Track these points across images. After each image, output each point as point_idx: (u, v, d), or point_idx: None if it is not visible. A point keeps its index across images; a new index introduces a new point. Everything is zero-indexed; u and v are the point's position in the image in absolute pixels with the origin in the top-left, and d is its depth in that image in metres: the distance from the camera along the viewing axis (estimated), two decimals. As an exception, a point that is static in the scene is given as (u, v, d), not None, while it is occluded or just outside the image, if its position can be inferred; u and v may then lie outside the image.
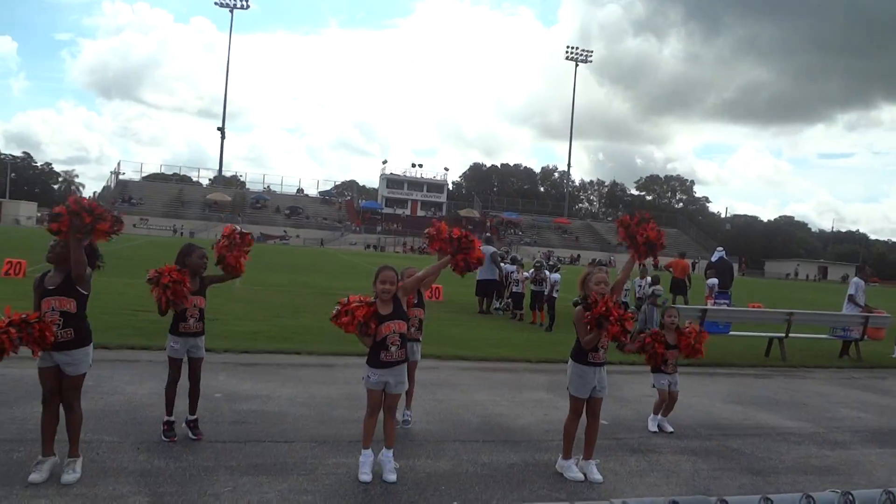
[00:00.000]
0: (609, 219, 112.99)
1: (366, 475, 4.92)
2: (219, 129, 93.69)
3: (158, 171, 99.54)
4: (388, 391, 5.15)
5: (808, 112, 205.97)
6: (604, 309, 5.12)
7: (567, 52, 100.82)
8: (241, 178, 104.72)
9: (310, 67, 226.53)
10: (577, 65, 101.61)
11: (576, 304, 5.87)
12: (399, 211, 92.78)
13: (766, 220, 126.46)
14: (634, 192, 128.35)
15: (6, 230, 55.18)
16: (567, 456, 5.50)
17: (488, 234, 24.90)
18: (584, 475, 5.36)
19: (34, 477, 4.43)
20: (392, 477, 4.95)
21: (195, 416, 5.75)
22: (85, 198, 4.64)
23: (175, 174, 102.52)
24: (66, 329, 4.55)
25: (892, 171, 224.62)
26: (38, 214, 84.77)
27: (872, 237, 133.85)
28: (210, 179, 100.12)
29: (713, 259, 19.43)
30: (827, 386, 10.54)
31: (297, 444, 5.73)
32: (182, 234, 70.22)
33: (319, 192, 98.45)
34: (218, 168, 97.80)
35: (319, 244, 72.67)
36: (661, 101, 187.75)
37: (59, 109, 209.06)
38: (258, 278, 21.10)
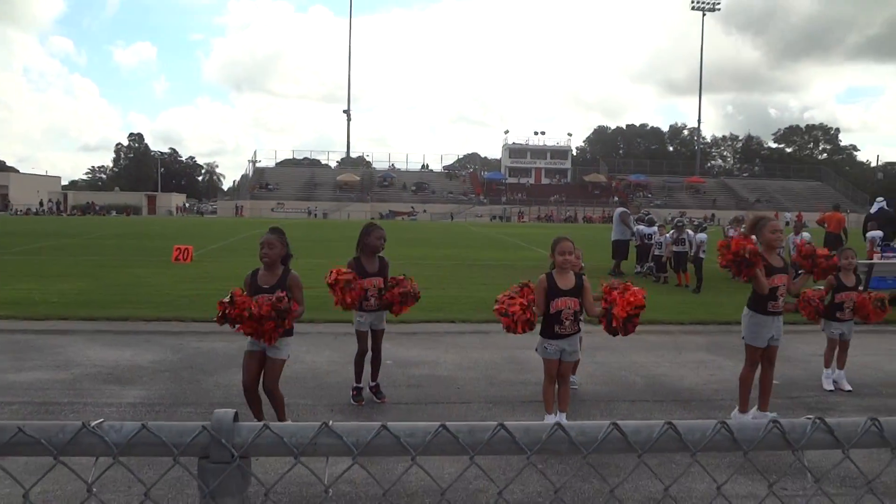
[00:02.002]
0: (745, 175, 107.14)
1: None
2: (344, 111, 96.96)
3: (290, 157, 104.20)
4: (563, 359, 5.31)
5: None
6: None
7: (693, 1, 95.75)
8: (368, 158, 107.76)
9: (426, 43, 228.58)
10: (703, 14, 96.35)
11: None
12: (523, 180, 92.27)
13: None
14: (772, 144, 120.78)
15: (162, 221, 59.88)
16: (744, 408, 5.46)
17: (619, 198, 24.57)
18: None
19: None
20: None
21: (377, 382, 6.16)
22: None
23: (305, 158, 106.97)
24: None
25: None
26: (187, 204, 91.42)
27: None
28: (338, 161, 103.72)
29: (872, 211, 18.07)
30: None
31: (473, 404, 6.03)
32: (315, 215, 73.49)
33: (443, 167, 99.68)
34: (345, 150, 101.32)
35: (449, 218, 73.71)
36: (796, 46, 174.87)
37: (198, 106, 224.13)
38: (398, 252, 21.85)
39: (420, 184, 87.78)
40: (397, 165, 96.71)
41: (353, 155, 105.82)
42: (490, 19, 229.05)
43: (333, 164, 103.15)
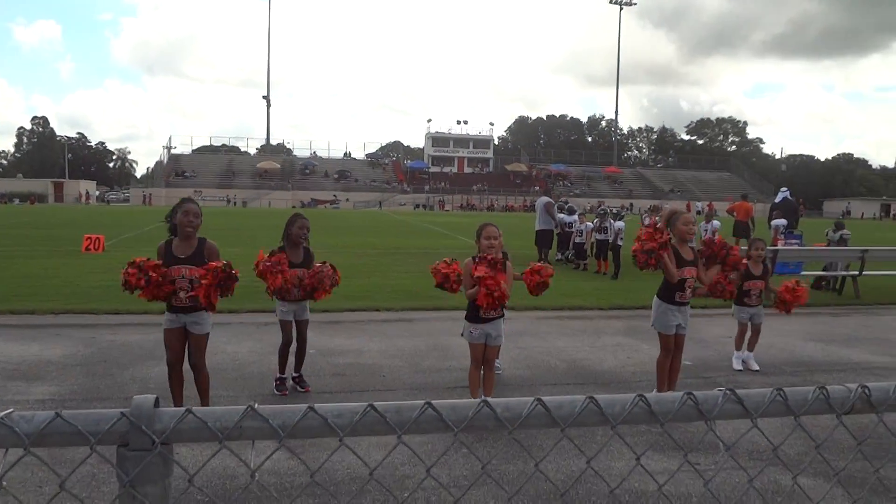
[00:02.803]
0: (660, 165, 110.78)
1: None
2: (264, 97, 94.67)
3: (208, 144, 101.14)
4: (488, 343, 5.39)
5: (861, 42, 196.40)
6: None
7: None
8: (288, 146, 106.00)
9: (348, 29, 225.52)
10: (621, 8, 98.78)
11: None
12: (446, 169, 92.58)
13: (822, 158, 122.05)
14: (685, 136, 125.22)
15: (70, 209, 57.14)
16: (661, 391, 5.68)
17: (542, 187, 24.96)
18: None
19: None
20: None
21: (300, 373, 6.10)
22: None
23: (223, 145, 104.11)
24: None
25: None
26: (98, 192, 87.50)
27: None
28: (258, 148, 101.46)
29: (777, 200, 19.05)
30: (907, 321, 10.42)
31: (398, 391, 6.04)
32: (235, 203, 71.69)
33: (366, 155, 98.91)
34: (265, 137, 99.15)
35: (378, 206, 73.24)
36: (706, 42, 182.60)
37: (107, 89, 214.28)
38: (321, 241, 21.59)
39: (342, 172, 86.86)
40: (319, 153, 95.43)
41: (274, 142, 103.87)
42: (414, 8, 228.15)
43: (253, 152, 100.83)
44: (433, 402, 1.18)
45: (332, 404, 1.15)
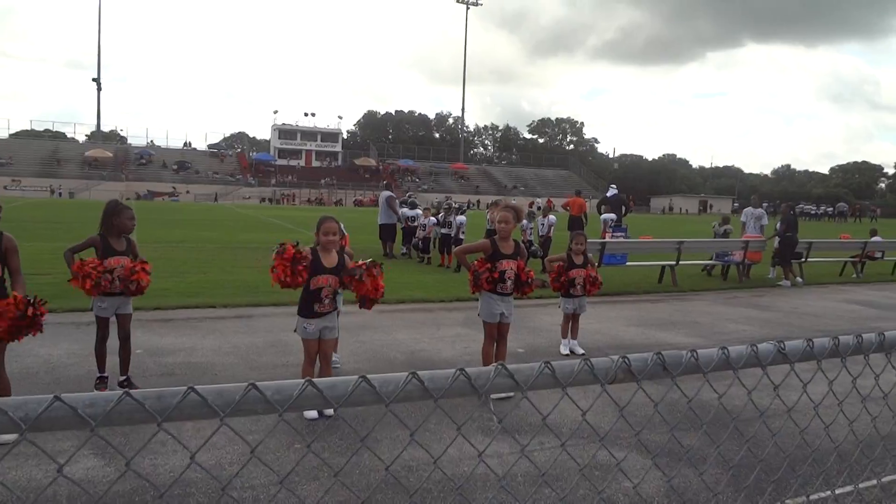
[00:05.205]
0: (504, 163, 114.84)
1: (311, 413, 5.12)
2: (94, 80, 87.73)
3: (28, 129, 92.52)
4: (323, 337, 5.33)
5: (681, 52, 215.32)
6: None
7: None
8: (122, 133, 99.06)
9: (189, 11, 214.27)
10: (467, 8, 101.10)
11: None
12: (293, 162, 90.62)
13: (650, 158, 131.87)
14: (527, 135, 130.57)
15: None
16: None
17: (386, 182, 25.17)
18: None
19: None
20: (331, 411, 5.17)
21: (127, 375, 5.74)
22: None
23: (47, 130, 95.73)
24: None
25: (760, 108, 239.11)
26: None
27: (746, 171, 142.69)
28: (87, 135, 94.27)
29: (608, 195, 20.33)
30: (715, 306, 11.52)
31: (231, 389, 5.83)
32: (60, 194, 66.11)
33: (208, 146, 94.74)
34: (95, 123, 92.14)
35: (213, 199, 70.19)
36: (545, 45, 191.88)
37: None
38: (156, 235, 20.43)
39: (182, 163, 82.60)
40: (157, 142, 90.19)
41: (105, 129, 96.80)
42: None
43: (81, 139, 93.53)
44: (258, 382, 1.18)
45: (154, 390, 1.16)
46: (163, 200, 65.54)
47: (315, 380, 1.24)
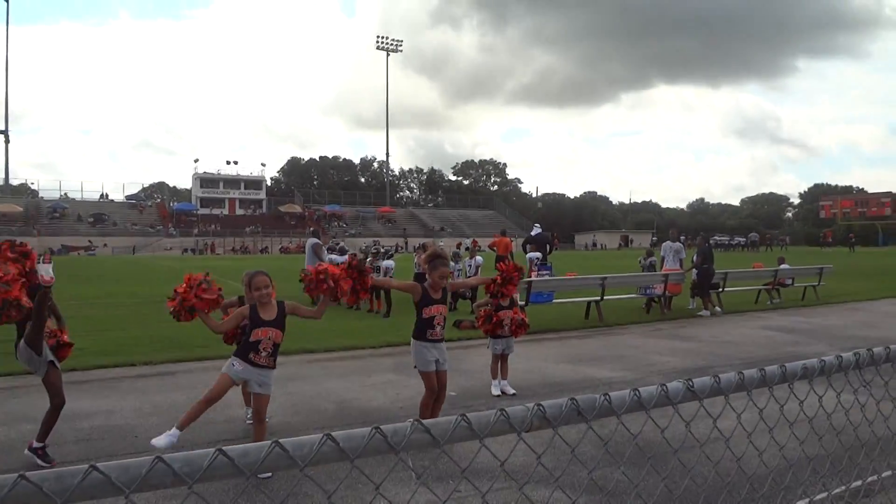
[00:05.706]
0: (430, 205, 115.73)
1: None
2: (1, 132, 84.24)
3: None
4: (254, 391, 5.21)
5: (596, 94, 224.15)
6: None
7: (378, 41, 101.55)
8: (33, 186, 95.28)
9: (102, 62, 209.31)
10: (388, 54, 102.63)
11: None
12: (216, 211, 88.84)
13: (572, 196, 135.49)
14: (452, 177, 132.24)
15: None
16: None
17: (313, 229, 25.04)
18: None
19: None
20: (268, 474, 5.03)
21: (44, 443, 5.43)
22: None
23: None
24: None
25: (673, 145, 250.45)
26: None
27: (663, 205, 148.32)
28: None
29: (532, 234, 20.73)
30: (640, 338, 11.81)
31: (151, 453, 5.58)
32: (-34, 253, 62.62)
33: (126, 197, 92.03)
34: (3, 177, 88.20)
35: (131, 252, 67.94)
36: (465, 89, 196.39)
37: None
38: (71, 292, 19.55)
39: (99, 215, 79.82)
40: (71, 195, 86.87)
41: (14, 182, 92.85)
42: (175, 43, 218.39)
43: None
44: (164, 455, 1.15)
45: (57, 469, 1.10)
46: (78, 255, 63.02)
47: (226, 448, 1.21)
